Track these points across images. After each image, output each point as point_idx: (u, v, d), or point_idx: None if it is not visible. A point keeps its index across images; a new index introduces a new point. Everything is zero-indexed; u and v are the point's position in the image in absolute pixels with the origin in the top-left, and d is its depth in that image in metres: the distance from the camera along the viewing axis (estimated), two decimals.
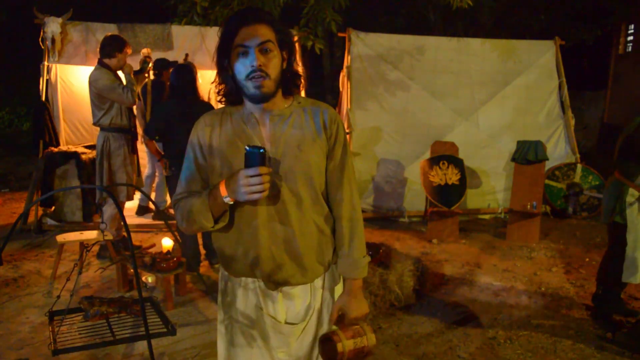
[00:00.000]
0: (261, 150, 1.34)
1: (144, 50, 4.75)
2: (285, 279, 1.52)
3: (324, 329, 1.64)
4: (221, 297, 1.65)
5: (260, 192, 1.35)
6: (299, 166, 1.49)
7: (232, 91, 1.51)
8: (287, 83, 1.52)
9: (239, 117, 1.52)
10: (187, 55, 5.76)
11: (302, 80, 1.56)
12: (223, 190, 1.39)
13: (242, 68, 1.43)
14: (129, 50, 4.36)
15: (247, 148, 1.35)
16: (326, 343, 1.54)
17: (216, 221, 1.47)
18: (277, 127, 1.50)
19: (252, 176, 1.33)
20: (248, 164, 1.35)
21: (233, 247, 1.53)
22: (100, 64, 4.25)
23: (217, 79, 1.54)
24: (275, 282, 1.53)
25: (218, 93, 1.55)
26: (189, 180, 1.55)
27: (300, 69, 1.55)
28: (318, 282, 1.60)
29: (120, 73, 4.33)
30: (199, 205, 1.45)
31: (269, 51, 1.43)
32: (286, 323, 1.57)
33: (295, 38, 1.65)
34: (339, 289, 1.68)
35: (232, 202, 1.41)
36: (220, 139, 1.51)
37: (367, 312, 1.62)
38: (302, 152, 1.49)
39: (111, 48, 4.22)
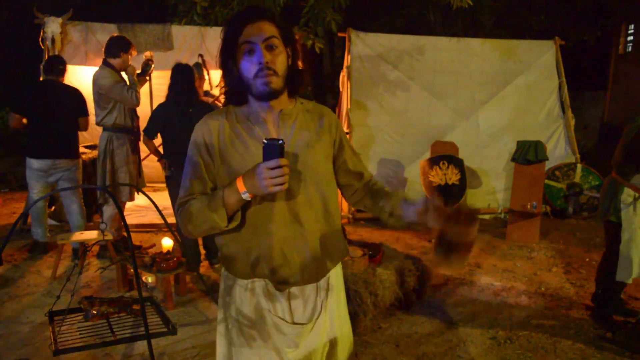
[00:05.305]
0: (280, 142, 1.31)
1: (147, 53, 4.80)
2: (294, 278, 1.51)
3: (334, 328, 1.63)
4: (222, 297, 1.62)
5: (282, 184, 1.32)
6: (309, 166, 1.50)
7: (237, 91, 1.50)
8: (293, 81, 1.51)
9: (245, 117, 1.51)
10: (201, 56, 5.77)
11: (307, 78, 1.55)
12: (241, 185, 1.36)
13: (249, 66, 1.42)
14: (134, 52, 4.43)
15: (265, 141, 1.32)
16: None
17: (229, 220, 1.43)
18: (286, 127, 1.50)
19: (272, 168, 1.30)
20: (267, 157, 1.31)
21: (242, 248, 1.51)
22: (105, 63, 4.29)
23: (221, 81, 1.52)
24: (284, 282, 1.51)
25: (224, 94, 1.54)
26: (194, 182, 1.49)
27: (302, 66, 1.54)
28: (325, 281, 1.60)
29: (123, 74, 4.36)
30: (212, 203, 1.40)
31: (275, 47, 1.43)
32: (294, 323, 1.55)
33: (297, 37, 1.64)
34: (342, 289, 1.70)
35: (250, 198, 1.38)
36: (228, 138, 1.49)
37: None
38: (310, 153, 1.51)
39: (117, 48, 4.27)
